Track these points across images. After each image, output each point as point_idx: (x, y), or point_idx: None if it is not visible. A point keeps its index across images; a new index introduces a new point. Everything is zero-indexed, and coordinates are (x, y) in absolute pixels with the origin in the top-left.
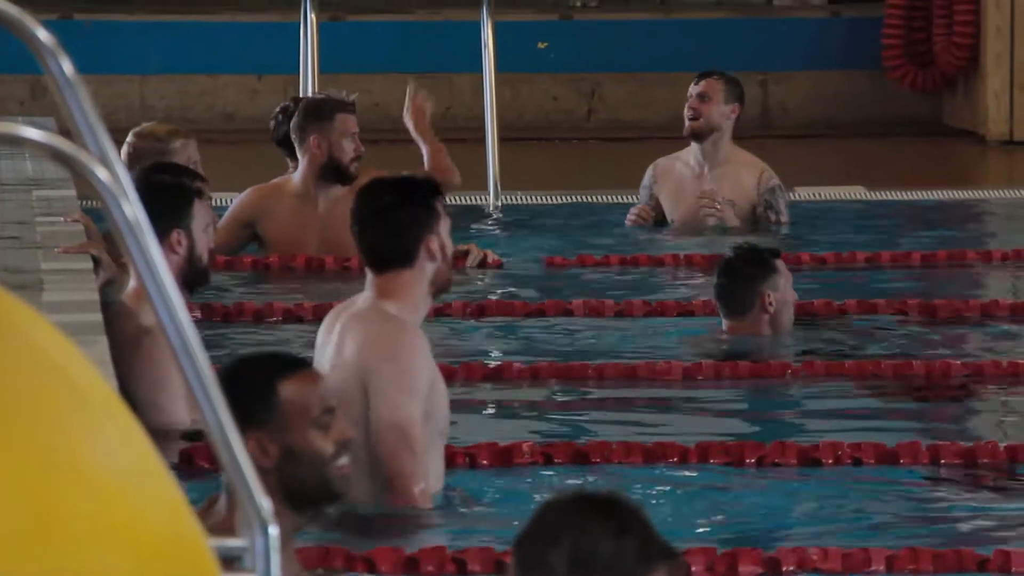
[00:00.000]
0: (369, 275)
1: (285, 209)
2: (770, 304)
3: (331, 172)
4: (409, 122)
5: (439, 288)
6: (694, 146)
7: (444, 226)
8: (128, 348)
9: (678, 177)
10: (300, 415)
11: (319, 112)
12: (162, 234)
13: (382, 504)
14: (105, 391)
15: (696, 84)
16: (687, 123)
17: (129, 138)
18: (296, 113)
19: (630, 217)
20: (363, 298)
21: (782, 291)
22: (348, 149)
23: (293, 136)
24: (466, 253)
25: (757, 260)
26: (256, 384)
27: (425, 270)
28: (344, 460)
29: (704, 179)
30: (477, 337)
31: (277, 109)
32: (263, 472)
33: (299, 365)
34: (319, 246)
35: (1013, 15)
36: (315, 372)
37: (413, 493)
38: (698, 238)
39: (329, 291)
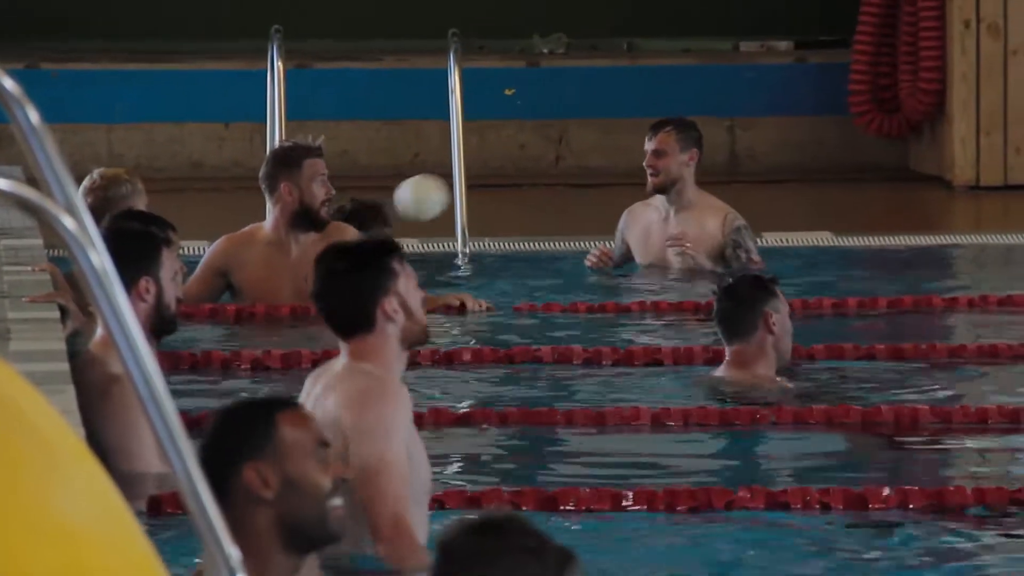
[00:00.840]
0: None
1: (258, 257)
2: (773, 324)
3: (303, 218)
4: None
5: (412, 343)
6: (665, 199)
7: (403, 283)
8: (96, 396)
9: (646, 222)
10: (299, 446)
11: (287, 160)
12: (130, 281)
13: (368, 556)
14: (72, 441)
15: (650, 140)
16: (648, 180)
17: (87, 182)
18: (264, 163)
19: (590, 258)
20: (339, 362)
21: (783, 315)
22: (319, 193)
23: (263, 185)
24: (462, 304)
25: (758, 283)
26: (256, 416)
27: (388, 331)
28: (338, 501)
29: (670, 223)
30: (446, 384)
31: (335, 207)
32: (263, 505)
33: (292, 403)
34: (293, 294)
35: (979, 61)
36: (307, 412)
37: (401, 539)
38: (665, 282)
39: (301, 338)
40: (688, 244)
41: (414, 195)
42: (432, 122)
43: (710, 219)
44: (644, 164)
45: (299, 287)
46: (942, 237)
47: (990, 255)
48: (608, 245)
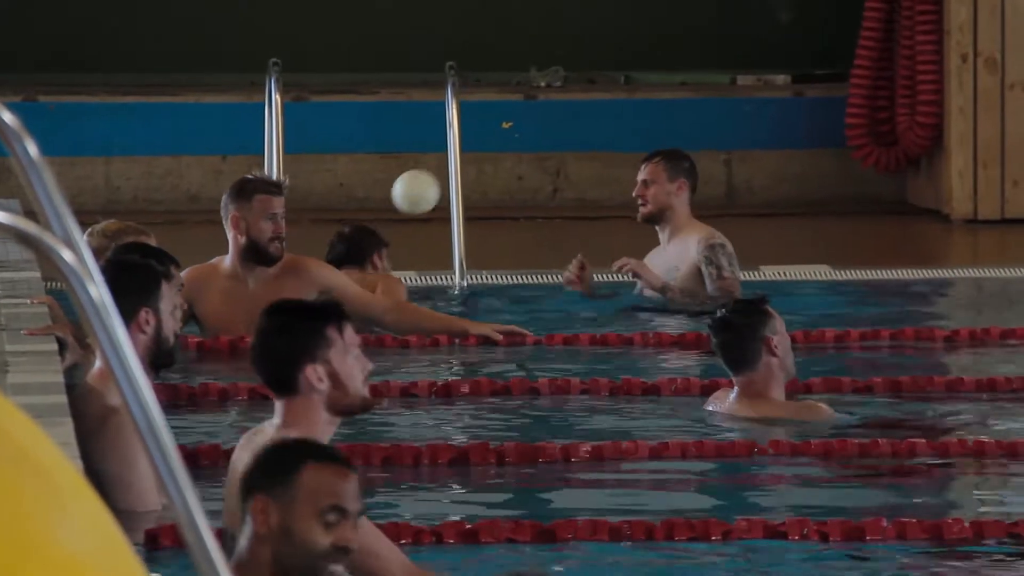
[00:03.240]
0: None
1: (217, 289)
2: (776, 346)
3: (251, 252)
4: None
5: (346, 413)
6: (659, 229)
7: (337, 352)
8: (95, 428)
9: (649, 256)
10: (308, 501)
11: (240, 192)
12: (130, 313)
13: None
14: (70, 473)
15: (640, 170)
16: (639, 211)
17: (88, 237)
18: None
19: (567, 276)
20: (270, 423)
21: (781, 334)
22: (266, 230)
23: (222, 215)
24: (510, 333)
25: (750, 309)
26: (286, 455)
27: (312, 398)
28: (339, 564)
29: (666, 251)
30: (443, 416)
31: (334, 235)
32: (259, 539)
33: (335, 459)
34: (249, 327)
35: (976, 95)
36: (348, 472)
37: None
38: (664, 316)
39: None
40: (627, 264)
41: (407, 192)
42: (430, 155)
43: (691, 240)
44: (633, 194)
45: (256, 320)
46: (940, 271)
47: (987, 288)
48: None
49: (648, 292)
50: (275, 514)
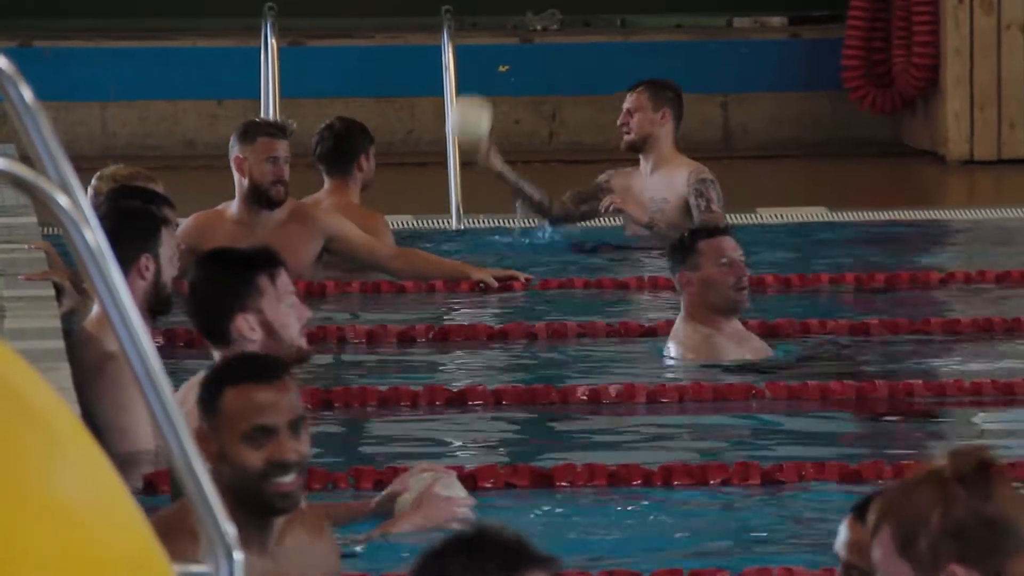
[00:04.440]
0: None
1: (223, 235)
2: (687, 282)
3: (254, 195)
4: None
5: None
6: (642, 159)
7: (269, 301)
8: (92, 374)
9: (629, 182)
10: (231, 426)
11: (244, 134)
12: (131, 258)
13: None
14: (68, 418)
15: (625, 100)
16: (622, 140)
17: (93, 181)
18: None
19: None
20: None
21: (705, 269)
22: (267, 172)
23: (229, 157)
24: (509, 278)
25: (673, 246)
26: (211, 383)
27: (244, 348)
28: (285, 478)
29: (646, 181)
30: (440, 360)
31: (322, 126)
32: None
33: (259, 375)
34: None
35: (972, 36)
36: (269, 386)
37: None
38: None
39: None
40: (616, 199)
41: (460, 120)
42: (426, 99)
43: (679, 173)
44: (617, 123)
45: None
46: (936, 212)
47: (984, 230)
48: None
49: (633, 229)
50: (212, 442)
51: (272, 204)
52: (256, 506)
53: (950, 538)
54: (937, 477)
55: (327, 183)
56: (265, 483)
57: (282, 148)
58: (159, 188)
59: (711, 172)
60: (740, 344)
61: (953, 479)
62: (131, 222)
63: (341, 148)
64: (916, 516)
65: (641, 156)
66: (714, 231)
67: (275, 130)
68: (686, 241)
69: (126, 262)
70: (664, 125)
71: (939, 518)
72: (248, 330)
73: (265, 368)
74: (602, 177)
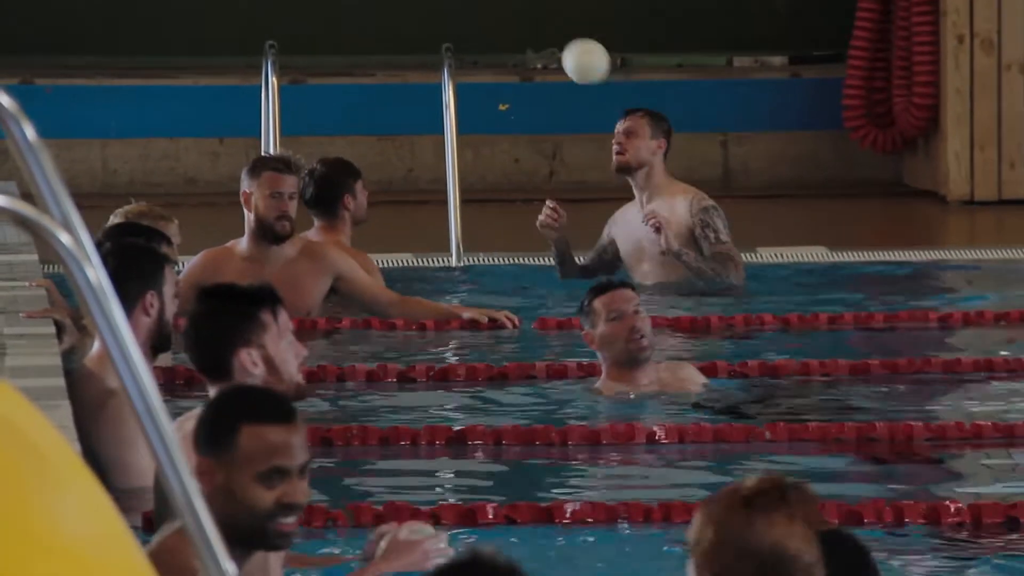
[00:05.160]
0: None
1: (233, 271)
2: (592, 343)
3: (260, 231)
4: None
5: None
6: (634, 185)
7: (271, 337)
8: (92, 411)
9: (629, 215)
10: (247, 464)
11: (251, 169)
12: (136, 296)
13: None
14: (69, 456)
15: (621, 121)
16: (614, 159)
17: (114, 218)
18: None
19: (541, 218)
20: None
21: (600, 327)
22: (271, 207)
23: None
24: (491, 321)
25: (579, 306)
26: (224, 417)
27: (246, 382)
28: (290, 519)
29: (642, 210)
30: (440, 400)
31: (304, 171)
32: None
33: (277, 416)
34: None
35: (972, 76)
36: (287, 427)
37: None
38: (665, 294)
39: None
40: (661, 217)
41: (577, 63)
42: (426, 137)
43: (679, 201)
44: (612, 143)
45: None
46: (936, 252)
47: (984, 270)
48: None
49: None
50: (218, 475)
51: (277, 239)
52: (252, 542)
53: (711, 558)
54: (728, 498)
55: (316, 224)
56: (271, 522)
57: (287, 183)
58: (175, 227)
59: (707, 196)
60: (663, 390)
61: (738, 503)
62: (136, 259)
63: (323, 192)
64: (698, 532)
65: (633, 183)
66: (607, 286)
67: (281, 165)
68: (584, 300)
69: (131, 299)
70: (658, 154)
71: (711, 536)
72: (251, 364)
73: (282, 408)
74: (607, 227)
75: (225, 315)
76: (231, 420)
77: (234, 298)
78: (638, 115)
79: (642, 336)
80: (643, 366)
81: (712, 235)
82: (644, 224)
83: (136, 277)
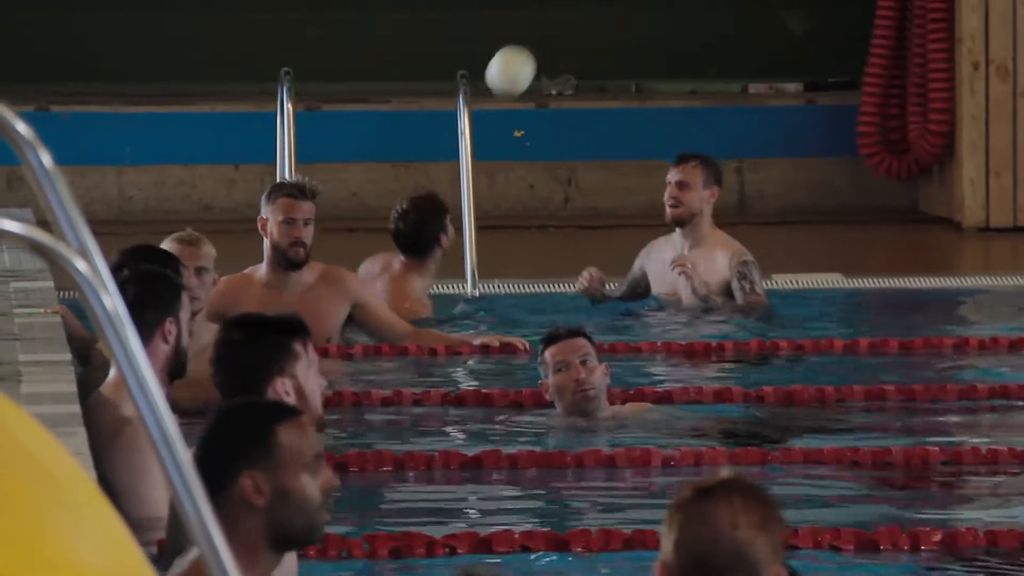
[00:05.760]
0: None
1: (252, 298)
2: (547, 393)
3: (276, 256)
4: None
5: None
6: (679, 231)
7: (303, 367)
8: (108, 439)
9: (664, 255)
10: (295, 459)
11: (268, 194)
12: (157, 323)
13: None
14: (84, 483)
15: (675, 170)
16: (668, 211)
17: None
18: None
19: (581, 280)
20: None
21: (548, 378)
22: (285, 233)
23: None
24: (503, 345)
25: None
26: (256, 425)
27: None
28: (325, 511)
29: (684, 258)
30: (457, 425)
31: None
32: (256, 511)
33: (294, 413)
34: None
35: (988, 103)
36: (303, 418)
37: None
38: (679, 318)
39: None
40: (689, 264)
41: (501, 73)
42: (441, 164)
43: (720, 254)
44: (666, 195)
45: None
46: (952, 279)
47: (999, 296)
48: (611, 286)
49: (689, 300)
50: (266, 484)
51: (291, 265)
52: (301, 540)
53: (679, 551)
54: (697, 492)
55: (400, 259)
56: (320, 513)
57: (301, 209)
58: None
59: (747, 251)
60: (614, 435)
61: (699, 498)
62: (155, 286)
63: (419, 235)
64: (666, 523)
65: (680, 230)
66: (556, 336)
67: (296, 191)
68: (538, 353)
69: (151, 327)
70: (710, 202)
71: (675, 529)
72: (284, 394)
73: (291, 407)
74: (641, 255)
75: (263, 344)
76: (263, 427)
77: (271, 327)
78: (691, 164)
79: (587, 388)
80: (595, 414)
81: (747, 286)
82: (672, 270)
83: (156, 304)
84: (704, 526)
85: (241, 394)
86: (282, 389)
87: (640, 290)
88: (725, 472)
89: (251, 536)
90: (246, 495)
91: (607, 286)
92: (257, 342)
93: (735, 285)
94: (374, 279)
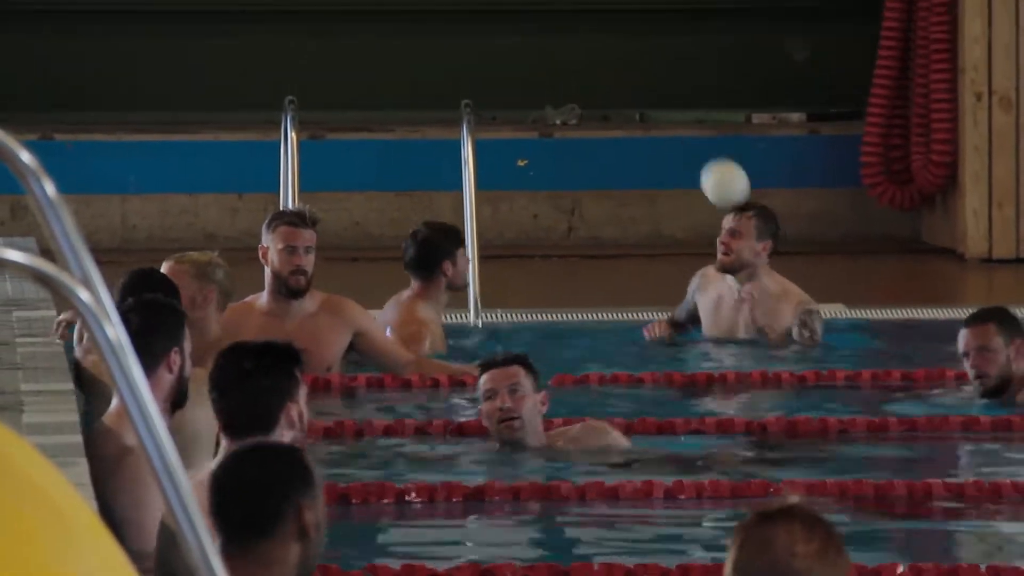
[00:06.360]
0: (224, 443)
1: (254, 326)
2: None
3: (277, 285)
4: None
5: None
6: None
7: (302, 393)
8: (110, 468)
9: (719, 291)
10: (322, 492)
11: (268, 223)
12: (163, 352)
13: None
14: (85, 513)
15: (730, 218)
16: (719, 256)
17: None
18: None
19: (650, 330)
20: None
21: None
22: (285, 261)
23: None
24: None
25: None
26: (299, 458)
27: (284, 438)
28: None
29: (744, 304)
30: (458, 456)
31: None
32: (303, 544)
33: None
34: None
35: (991, 134)
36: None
37: None
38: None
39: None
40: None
41: (716, 186)
42: (445, 193)
43: (784, 306)
44: (718, 240)
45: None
46: (954, 310)
47: None
48: (662, 315)
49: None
50: (311, 513)
51: (292, 293)
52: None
53: (737, 574)
54: (758, 517)
55: (412, 284)
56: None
57: (301, 237)
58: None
59: (809, 298)
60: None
61: (760, 523)
62: (161, 315)
63: (423, 254)
64: (730, 543)
65: (732, 276)
66: (489, 364)
67: (297, 219)
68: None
69: (157, 356)
70: (762, 255)
71: (736, 551)
72: (295, 419)
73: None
74: (693, 284)
75: (279, 373)
76: (305, 459)
77: (280, 354)
78: (747, 215)
79: (511, 417)
80: (524, 443)
81: (807, 333)
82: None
83: (162, 334)
84: (762, 552)
85: (254, 422)
86: (294, 414)
87: (696, 314)
88: (791, 498)
89: (288, 571)
90: (306, 526)
91: (671, 334)
92: (273, 371)
93: (795, 332)
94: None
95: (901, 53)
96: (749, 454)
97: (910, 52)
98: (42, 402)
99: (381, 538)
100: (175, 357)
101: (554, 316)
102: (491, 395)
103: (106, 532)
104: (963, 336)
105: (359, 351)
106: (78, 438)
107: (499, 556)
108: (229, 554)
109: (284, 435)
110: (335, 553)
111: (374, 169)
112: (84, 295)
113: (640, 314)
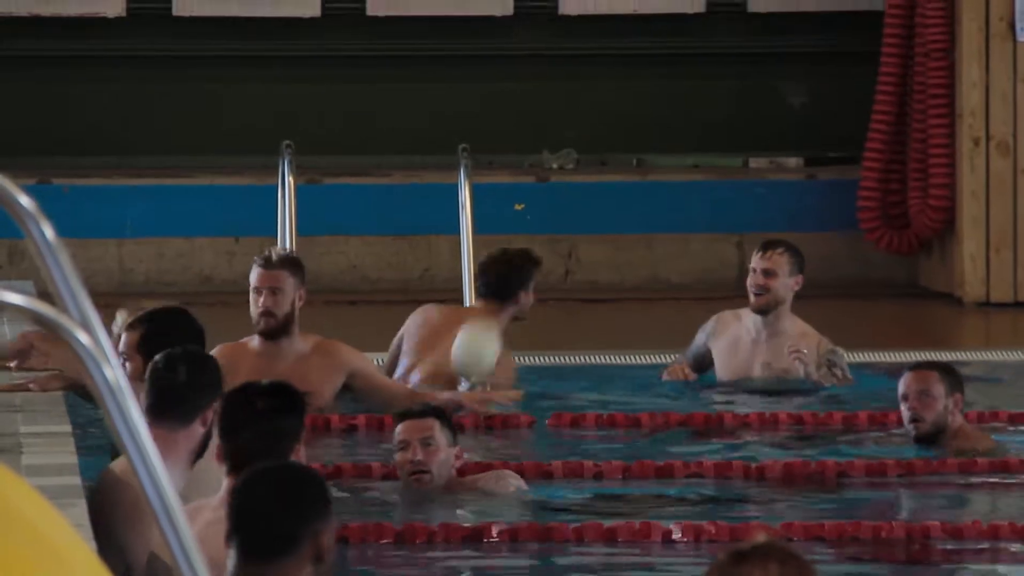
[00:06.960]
0: (225, 478)
1: (247, 367)
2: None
3: (255, 326)
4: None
5: None
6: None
7: (303, 434)
8: (128, 518)
9: (736, 335)
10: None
11: (252, 266)
12: (203, 407)
13: None
14: (84, 554)
15: (760, 258)
16: (753, 298)
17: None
18: None
19: (669, 373)
20: (216, 499)
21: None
22: (253, 302)
23: None
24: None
25: None
26: (318, 482)
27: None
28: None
29: (760, 345)
30: (455, 499)
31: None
32: (319, 569)
33: None
34: None
35: (988, 178)
36: None
37: None
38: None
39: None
40: (804, 351)
41: (465, 354)
42: (442, 237)
43: (806, 345)
44: (750, 283)
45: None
46: (952, 354)
47: (1000, 372)
48: (675, 357)
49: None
50: (327, 537)
51: (263, 335)
52: None
53: None
54: (732, 556)
55: (480, 303)
56: None
57: (264, 279)
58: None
59: (826, 338)
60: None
61: (734, 562)
62: (207, 370)
63: (503, 278)
64: None
65: (763, 317)
66: (405, 415)
67: (263, 261)
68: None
69: (197, 410)
70: (794, 291)
71: None
72: (303, 458)
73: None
74: (708, 327)
75: (286, 413)
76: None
77: (291, 396)
78: (778, 252)
79: (420, 470)
80: (445, 490)
81: (840, 373)
82: (788, 355)
83: (205, 388)
84: None
85: (263, 455)
86: (302, 454)
87: (706, 364)
88: (762, 537)
89: None
90: (322, 549)
91: (687, 372)
92: (285, 410)
93: (824, 372)
94: (436, 326)
95: (899, 98)
96: (747, 496)
97: (908, 97)
98: (41, 444)
99: None
100: (210, 414)
101: (550, 358)
102: (404, 446)
103: (105, 572)
104: (905, 379)
105: (356, 392)
106: (77, 480)
107: None
108: (245, 574)
109: None
110: None
111: (372, 213)
112: (83, 337)
113: (638, 357)
